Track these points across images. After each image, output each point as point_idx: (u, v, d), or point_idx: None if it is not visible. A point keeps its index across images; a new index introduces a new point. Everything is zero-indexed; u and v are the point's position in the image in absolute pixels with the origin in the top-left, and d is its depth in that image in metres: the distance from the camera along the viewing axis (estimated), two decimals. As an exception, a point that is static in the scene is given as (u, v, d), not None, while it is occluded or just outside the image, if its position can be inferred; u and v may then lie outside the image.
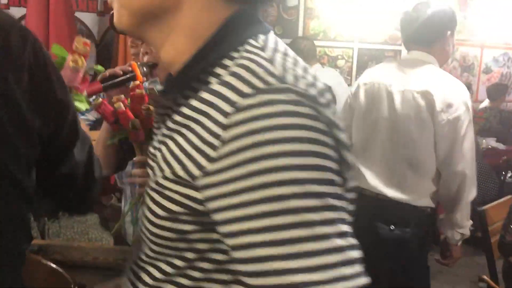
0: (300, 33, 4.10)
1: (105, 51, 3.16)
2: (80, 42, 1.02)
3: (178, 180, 0.51)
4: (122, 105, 1.05)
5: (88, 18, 3.14)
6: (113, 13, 1.64)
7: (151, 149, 0.62)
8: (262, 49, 0.53)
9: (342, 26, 4.23)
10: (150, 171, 0.58)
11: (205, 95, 0.51)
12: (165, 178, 0.53)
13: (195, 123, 0.51)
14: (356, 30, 4.27)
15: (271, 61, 0.51)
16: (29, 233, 0.69)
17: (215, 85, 0.51)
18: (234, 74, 0.50)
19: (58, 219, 2.01)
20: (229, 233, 0.48)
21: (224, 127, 0.48)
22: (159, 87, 1.23)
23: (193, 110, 0.52)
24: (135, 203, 1.23)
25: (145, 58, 1.32)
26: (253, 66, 0.50)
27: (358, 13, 4.23)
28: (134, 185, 1.74)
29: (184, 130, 0.52)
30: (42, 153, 0.65)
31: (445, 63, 1.89)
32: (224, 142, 0.47)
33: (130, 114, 1.07)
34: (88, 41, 1.05)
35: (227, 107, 0.48)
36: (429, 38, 1.69)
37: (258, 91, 0.48)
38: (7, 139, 0.58)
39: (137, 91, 1.08)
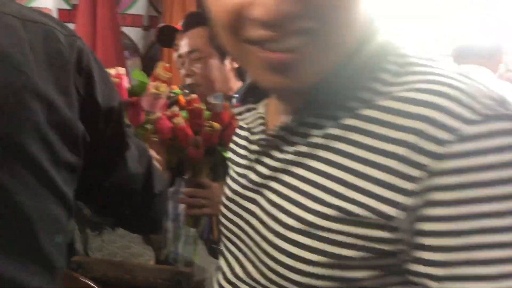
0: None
1: (150, 65, 3.19)
2: (161, 69, 1.02)
3: (352, 219, 0.43)
4: (182, 120, 1.02)
5: (134, 33, 3.18)
6: (160, 27, 1.66)
7: (257, 178, 0.54)
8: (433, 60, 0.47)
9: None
10: (249, 204, 0.54)
11: (386, 116, 0.43)
12: (324, 217, 0.44)
13: (380, 154, 0.43)
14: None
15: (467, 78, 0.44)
16: (68, 242, 0.66)
17: (398, 104, 0.43)
18: (434, 93, 0.42)
19: (101, 233, 2.02)
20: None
21: (441, 157, 0.40)
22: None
23: (371, 136, 0.44)
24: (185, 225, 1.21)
25: (188, 80, 1.33)
26: (458, 85, 0.42)
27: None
28: (177, 203, 1.72)
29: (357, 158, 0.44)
30: (86, 161, 0.62)
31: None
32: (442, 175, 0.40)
33: (189, 130, 1.03)
34: (168, 65, 1.06)
35: (442, 134, 0.40)
36: None
37: (486, 117, 0.40)
38: (47, 142, 0.55)
39: (195, 105, 1.05)
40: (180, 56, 1.42)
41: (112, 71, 1.04)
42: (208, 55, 1.35)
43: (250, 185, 0.56)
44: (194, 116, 1.05)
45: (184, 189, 1.09)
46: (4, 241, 0.53)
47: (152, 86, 0.99)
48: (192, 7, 3.01)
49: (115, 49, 2.81)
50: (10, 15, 0.55)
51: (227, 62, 1.39)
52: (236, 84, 1.41)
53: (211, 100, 1.28)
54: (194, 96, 1.10)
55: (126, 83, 1.00)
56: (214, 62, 1.36)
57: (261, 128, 0.56)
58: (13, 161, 0.53)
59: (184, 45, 1.39)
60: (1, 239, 0.53)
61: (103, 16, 2.75)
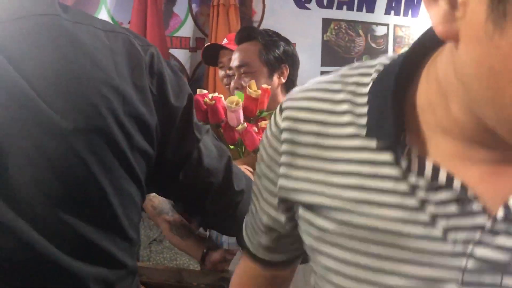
0: (389, 62, 3.99)
1: (197, 85, 3.30)
2: (253, 85, 1.14)
3: None
4: (246, 124, 1.11)
5: (181, 54, 3.30)
6: (206, 46, 1.73)
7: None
8: None
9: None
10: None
11: None
12: None
13: None
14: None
15: None
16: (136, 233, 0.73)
17: None
18: None
19: (150, 243, 2.10)
20: None
21: None
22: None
23: None
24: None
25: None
26: None
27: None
28: None
29: None
30: (161, 152, 0.72)
31: None
32: None
33: (255, 135, 1.10)
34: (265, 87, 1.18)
35: None
36: None
37: None
38: (125, 128, 0.65)
39: (262, 123, 1.11)
40: (230, 69, 1.46)
41: (209, 95, 1.18)
42: (257, 70, 1.38)
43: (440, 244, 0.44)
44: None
45: None
46: (89, 215, 0.62)
47: (227, 101, 1.09)
48: (236, 29, 3.11)
49: (163, 70, 2.94)
50: (97, 28, 0.67)
51: (275, 77, 1.41)
52: (283, 98, 1.43)
53: None
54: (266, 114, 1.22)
55: (223, 104, 1.11)
56: (263, 78, 1.39)
57: (456, 186, 0.43)
58: (96, 140, 0.62)
59: (235, 58, 1.42)
60: (87, 214, 0.62)
61: (152, 39, 2.87)
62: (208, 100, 1.15)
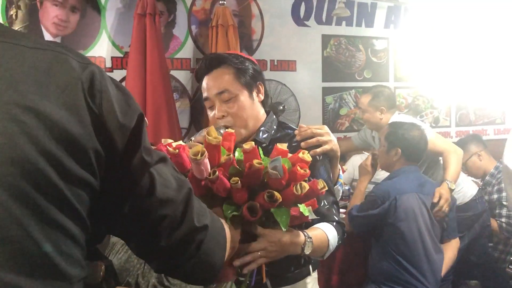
0: (390, 76, 3.98)
1: (198, 105, 3.29)
2: (213, 132, 1.02)
3: None
4: (239, 184, 1.01)
5: (182, 76, 3.31)
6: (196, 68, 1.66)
7: None
8: None
9: (438, 65, 4.05)
10: None
11: None
12: None
13: None
14: (454, 67, 4.06)
15: None
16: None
17: None
18: None
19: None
20: None
21: None
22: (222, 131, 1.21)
23: None
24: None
25: (221, 122, 1.32)
26: None
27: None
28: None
29: None
30: (107, 181, 0.64)
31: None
32: None
33: (245, 193, 1.02)
34: (223, 131, 1.09)
35: None
36: None
37: None
38: (52, 155, 0.57)
39: (254, 166, 1.00)
40: (206, 98, 1.37)
41: (173, 144, 1.08)
42: (239, 94, 1.33)
43: None
44: (251, 177, 1.01)
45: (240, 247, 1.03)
46: (10, 256, 0.54)
47: (191, 151, 0.97)
48: (235, 48, 3.11)
49: (164, 92, 2.93)
50: (21, 45, 0.60)
51: (255, 96, 1.37)
52: (263, 116, 1.41)
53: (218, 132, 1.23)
54: (231, 130, 1.12)
55: (187, 152, 1.02)
56: (245, 99, 1.34)
57: None
58: (10, 172, 0.54)
59: (211, 86, 1.35)
60: (10, 256, 0.54)
61: (152, 61, 2.88)
62: (171, 149, 1.04)
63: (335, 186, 1.57)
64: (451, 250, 2.46)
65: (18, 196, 0.54)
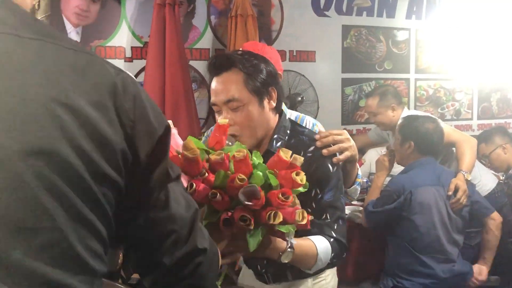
0: (411, 67, 3.92)
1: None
2: (190, 144, 0.99)
3: None
4: (219, 195, 0.98)
5: (201, 66, 3.32)
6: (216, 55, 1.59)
7: None
8: None
9: (460, 57, 3.97)
10: None
11: None
12: None
13: None
14: (477, 59, 3.98)
15: None
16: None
17: None
18: None
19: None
20: None
21: None
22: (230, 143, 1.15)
23: None
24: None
25: (228, 130, 1.27)
26: None
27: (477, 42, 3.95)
28: None
29: None
30: (129, 185, 0.65)
31: None
32: None
33: (226, 203, 0.99)
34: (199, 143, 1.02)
35: None
36: None
37: None
38: (83, 151, 0.58)
39: (236, 155, 0.98)
40: (214, 104, 1.29)
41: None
42: (247, 102, 1.24)
43: None
44: (232, 191, 0.98)
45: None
46: (42, 247, 0.55)
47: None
48: (254, 39, 3.10)
49: (183, 82, 2.94)
50: (62, 46, 0.62)
51: (265, 103, 1.29)
52: (275, 123, 1.33)
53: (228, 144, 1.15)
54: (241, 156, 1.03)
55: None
56: (254, 108, 1.26)
57: None
58: (42, 163, 0.55)
59: (219, 92, 1.26)
60: (40, 245, 0.55)
61: (171, 52, 2.89)
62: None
63: (353, 186, 1.55)
64: (491, 230, 2.44)
65: (50, 188, 0.55)
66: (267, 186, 1.01)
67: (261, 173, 1.01)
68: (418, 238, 2.22)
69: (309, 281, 1.39)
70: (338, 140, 1.36)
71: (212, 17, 3.33)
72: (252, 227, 0.98)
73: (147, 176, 0.68)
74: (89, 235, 0.60)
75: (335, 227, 1.27)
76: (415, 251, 2.23)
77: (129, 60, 3.15)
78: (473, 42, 3.98)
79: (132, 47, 3.14)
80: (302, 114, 1.81)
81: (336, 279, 1.48)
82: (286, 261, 1.14)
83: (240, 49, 1.83)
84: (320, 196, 1.28)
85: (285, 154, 1.03)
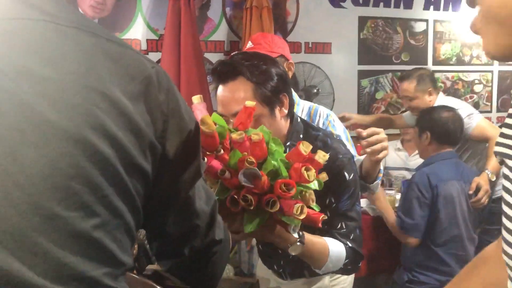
0: (429, 59, 3.86)
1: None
2: (207, 120, 0.98)
3: None
4: (228, 173, 1.00)
5: (216, 58, 3.30)
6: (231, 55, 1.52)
7: None
8: None
9: (479, 48, 3.90)
10: None
11: None
12: None
13: None
14: (495, 51, 3.90)
15: None
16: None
17: None
18: None
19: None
20: None
21: None
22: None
23: None
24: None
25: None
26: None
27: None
28: None
29: None
30: (158, 177, 0.65)
31: None
32: None
33: (235, 181, 1.00)
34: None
35: None
36: None
37: None
38: (117, 141, 0.58)
39: (253, 137, 0.98)
40: (222, 115, 1.19)
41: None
42: (258, 114, 1.15)
43: None
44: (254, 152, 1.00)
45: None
46: (71, 236, 0.54)
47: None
48: (269, 30, 3.08)
49: (198, 75, 2.94)
50: (102, 37, 0.63)
51: (277, 112, 1.22)
52: (287, 128, 1.28)
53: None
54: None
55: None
56: (265, 119, 1.19)
57: None
58: (84, 154, 0.55)
59: (226, 103, 1.19)
60: (69, 234, 0.54)
61: (186, 44, 2.90)
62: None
63: (376, 182, 1.53)
64: None
65: (83, 177, 0.55)
66: (274, 174, 1.00)
67: (273, 161, 1.01)
68: (438, 233, 2.19)
69: (327, 278, 1.39)
70: (380, 139, 1.34)
71: (227, 9, 3.31)
72: (252, 208, 0.98)
73: (178, 174, 0.68)
74: (118, 227, 0.60)
75: (351, 237, 1.24)
76: (433, 246, 2.20)
77: (145, 52, 3.16)
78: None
79: (147, 40, 3.15)
80: (316, 105, 1.79)
81: (353, 276, 1.47)
82: (294, 254, 1.13)
83: (246, 50, 1.77)
84: (334, 205, 1.24)
85: (304, 148, 1.01)
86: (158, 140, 0.63)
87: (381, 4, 3.69)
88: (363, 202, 2.63)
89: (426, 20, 3.84)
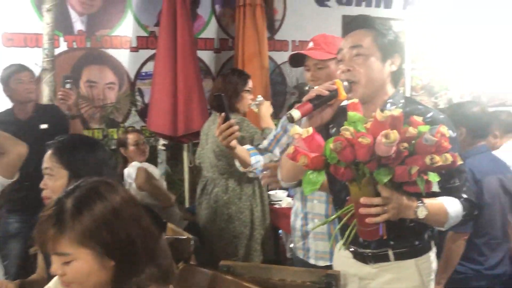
0: (406, 58, 4.00)
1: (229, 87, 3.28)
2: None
3: None
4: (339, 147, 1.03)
5: (205, 56, 3.29)
6: (292, 54, 1.66)
7: None
8: None
9: (453, 47, 4.08)
10: None
11: None
12: None
13: None
14: (469, 51, 4.09)
15: None
16: None
17: None
18: None
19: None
20: None
21: None
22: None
23: None
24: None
25: (343, 76, 1.31)
26: None
27: None
28: (305, 200, 1.76)
29: None
30: None
31: None
32: None
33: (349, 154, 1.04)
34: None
35: None
36: None
37: None
38: None
39: (394, 113, 1.04)
40: (340, 50, 1.38)
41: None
42: (370, 54, 1.33)
43: None
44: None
45: (362, 199, 1.10)
46: None
47: (382, 134, 1.02)
48: (262, 29, 3.10)
49: (194, 72, 2.92)
50: None
51: (387, 64, 1.36)
52: (391, 89, 1.38)
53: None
54: (355, 101, 1.13)
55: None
56: (375, 62, 1.34)
57: None
58: None
59: (347, 40, 1.38)
60: None
61: (182, 40, 2.86)
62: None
63: None
64: None
65: None
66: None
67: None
68: (481, 226, 2.21)
69: (413, 261, 1.37)
70: None
71: (217, 6, 3.30)
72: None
73: None
74: None
75: (464, 189, 1.31)
76: (475, 238, 2.23)
77: (135, 49, 3.10)
78: (465, 32, 4.09)
79: (137, 37, 3.09)
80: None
81: (437, 260, 1.48)
82: (422, 217, 1.18)
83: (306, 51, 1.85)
84: None
85: (418, 119, 1.10)
86: None
87: (363, 3, 3.80)
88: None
89: (404, 19, 3.98)
